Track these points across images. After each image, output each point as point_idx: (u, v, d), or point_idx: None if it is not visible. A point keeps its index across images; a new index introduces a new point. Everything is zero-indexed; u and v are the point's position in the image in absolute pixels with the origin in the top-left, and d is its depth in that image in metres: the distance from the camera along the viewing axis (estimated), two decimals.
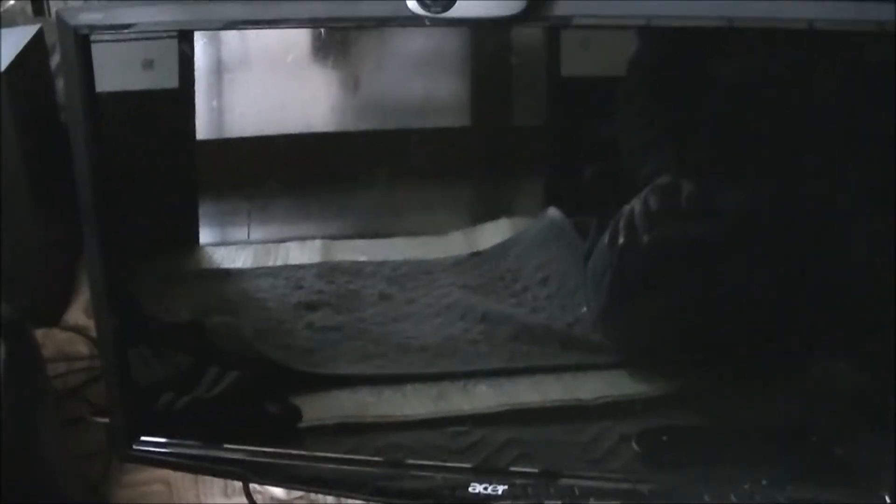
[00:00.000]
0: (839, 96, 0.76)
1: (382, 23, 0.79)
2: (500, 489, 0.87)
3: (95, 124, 0.84)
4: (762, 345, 0.83)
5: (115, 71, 0.85)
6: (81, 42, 0.81)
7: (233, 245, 0.95)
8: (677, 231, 0.82)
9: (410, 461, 0.90)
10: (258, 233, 0.95)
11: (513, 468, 0.88)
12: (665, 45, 0.79)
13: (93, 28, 0.81)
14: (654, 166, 0.81)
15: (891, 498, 0.80)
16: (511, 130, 0.89)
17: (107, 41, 0.83)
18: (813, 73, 0.76)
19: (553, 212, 0.87)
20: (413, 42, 0.85)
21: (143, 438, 0.94)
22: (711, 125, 0.79)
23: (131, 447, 0.95)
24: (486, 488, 0.87)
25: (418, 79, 0.86)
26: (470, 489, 0.87)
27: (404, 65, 0.86)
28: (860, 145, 0.76)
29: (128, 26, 0.81)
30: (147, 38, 0.85)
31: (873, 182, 0.77)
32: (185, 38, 0.85)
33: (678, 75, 0.80)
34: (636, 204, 0.81)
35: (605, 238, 0.83)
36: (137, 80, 0.87)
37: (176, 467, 0.98)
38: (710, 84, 0.79)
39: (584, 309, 0.87)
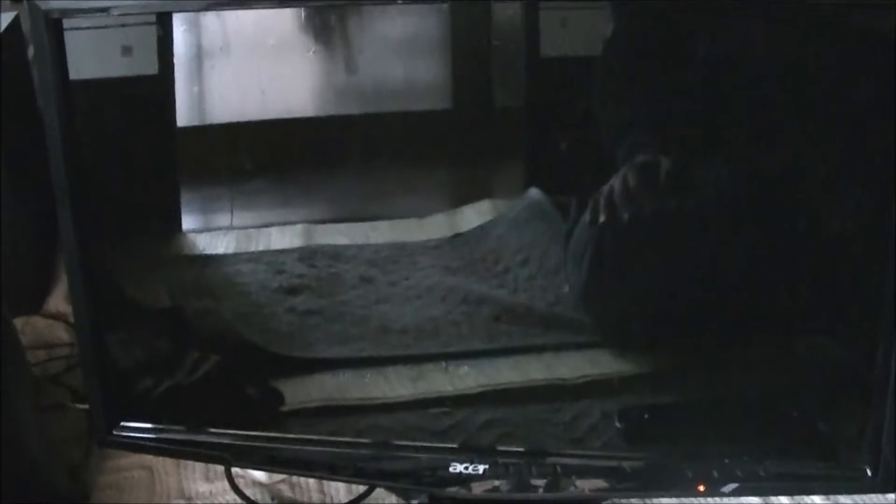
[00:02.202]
0: (817, 72, 0.76)
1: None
2: (482, 468, 0.86)
3: (69, 111, 0.84)
4: (743, 321, 0.84)
5: (94, 58, 0.85)
6: (53, 27, 0.81)
7: (215, 231, 0.95)
8: (657, 209, 0.82)
9: (392, 442, 0.90)
10: (241, 218, 0.95)
11: (495, 448, 0.88)
12: (643, 22, 0.80)
13: (65, 12, 0.80)
14: (633, 145, 0.82)
15: (871, 470, 0.80)
16: (491, 112, 0.89)
17: (84, 28, 0.83)
18: (791, 50, 0.77)
19: (534, 192, 0.87)
20: (393, 25, 0.85)
21: (122, 424, 0.94)
22: (690, 103, 0.80)
23: (110, 432, 0.94)
24: (466, 468, 0.87)
25: (398, 62, 0.86)
26: (451, 469, 0.87)
27: (384, 48, 0.86)
28: (839, 121, 0.77)
29: (101, 10, 0.80)
30: (125, 25, 0.84)
31: (853, 158, 0.77)
32: (164, 22, 0.84)
33: (656, 53, 0.80)
34: (616, 182, 0.81)
35: (586, 217, 0.83)
36: (116, 67, 0.87)
37: (157, 452, 0.97)
38: (688, 61, 0.79)
39: (566, 289, 0.87)
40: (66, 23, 0.81)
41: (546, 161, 0.86)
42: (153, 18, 0.84)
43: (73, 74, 0.83)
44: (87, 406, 0.97)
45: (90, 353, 0.92)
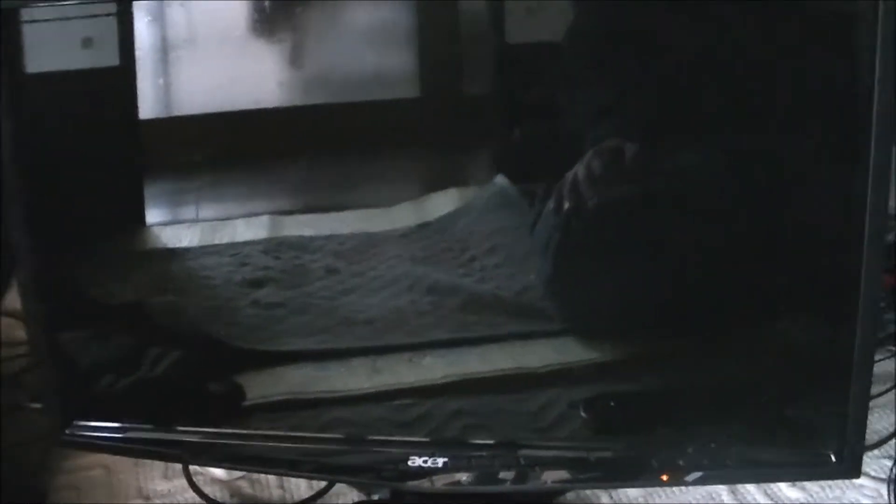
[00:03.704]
0: (787, 57, 0.76)
1: None
2: (445, 461, 0.85)
3: (20, 103, 0.83)
4: (710, 308, 0.83)
5: (53, 50, 0.84)
6: (5, 19, 0.80)
7: (180, 224, 0.94)
8: (623, 195, 0.81)
9: (355, 436, 0.88)
10: (206, 211, 0.94)
11: (459, 440, 0.86)
12: (609, 7, 0.80)
13: (17, 4, 0.80)
14: (601, 131, 0.81)
15: (835, 456, 0.80)
16: (457, 100, 0.88)
17: (43, 20, 0.82)
18: (761, 34, 0.76)
19: (501, 180, 0.86)
20: (359, 14, 0.84)
21: (78, 423, 0.92)
22: (656, 88, 0.79)
23: (65, 431, 0.92)
24: (426, 461, 0.85)
25: (364, 51, 0.86)
26: (413, 462, 0.85)
27: (350, 37, 0.85)
28: (809, 106, 0.76)
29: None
30: (85, 16, 0.84)
31: (824, 142, 0.77)
32: (125, 13, 0.84)
33: (622, 38, 0.80)
34: (580, 168, 0.81)
35: (551, 204, 0.82)
36: (77, 60, 0.86)
37: (113, 451, 0.95)
38: (655, 46, 0.78)
39: (532, 277, 0.86)
40: (24, 14, 0.81)
41: (513, 149, 0.86)
42: (114, 9, 0.84)
43: (32, 67, 0.83)
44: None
45: (43, 351, 0.90)
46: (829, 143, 0.76)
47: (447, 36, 0.85)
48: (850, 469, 0.80)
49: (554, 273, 0.85)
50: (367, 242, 0.90)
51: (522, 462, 0.84)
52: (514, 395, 0.87)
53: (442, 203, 0.88)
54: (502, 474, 0.84)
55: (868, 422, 0.80)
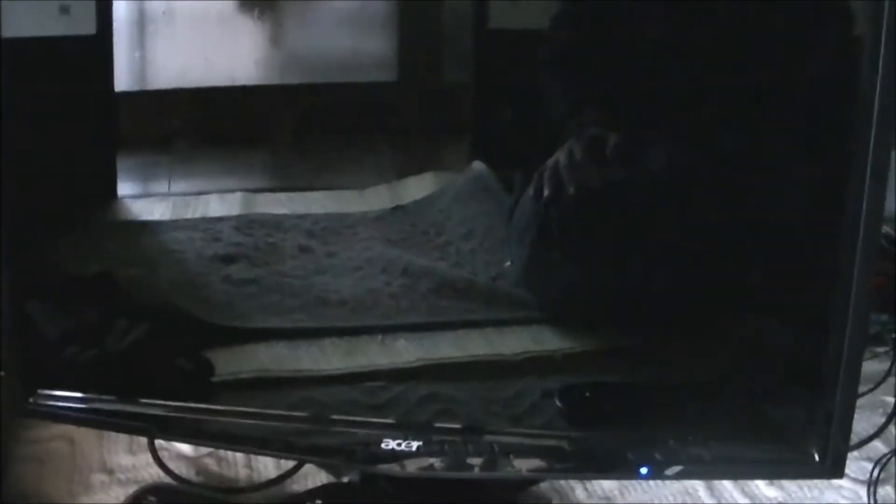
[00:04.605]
0: (768, 51, 0.76)
1: None
2: (416, 445, 0.84)
3: None
4: (689, 300, 0.83)
5: (30, 16, 0.83)
6: None
7: (152, 197, 0.93)
8: (603, 184, 0.81)
9: (324, 416, 0.88)
10: (178, 185, 0.93)
11: (431, 424, 0.86)
12: None
13: None
14: (582, 119, 0.81)
15: (819, 455, 0.79)
16: (436, 83, 0.88)
17: None
18: (742, 27, 0.77)
19: (478, 165, 0.86)
20: None
21: (41, 392, 0.90)
22: (639, 78, 0.79)
23: (28, 400, 0.90)
24: (399, 444, 0.85)
25: (344, 32, 0.86)
26: (384, 445, 0.85)
27: (330, 18, 0.85)
28: (789, 101, 0.77)
29: None
30: None
31: (804, 139, 0.77)
32: None
33: (605, 27, 0.80)
34: (561, 156, 0.81)
35: (530, 191, 0.83)
36: (53, 27, 0.85)
37: (77, 422, 0.94)
38: (637, 36, 0.79)
39: (508, 263, 0.87)
40: None
41: (491, 134, 0.86)
42: None
43: (6, 32, 0.80)
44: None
45: (9, 319, 0.88)
46: (811, 141, 0.77)
47: (428, 19, 0.85)
48: (834, 469, 0.79)
49: (531, 260, 0.85)
50: (342, 223, 0.90)
51: (496, 449, 0.83)
52: (487, 382, 0.87)
53: (418, 187, 0.88)
54: (475, 460, 0.83)
55: None
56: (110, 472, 1.00)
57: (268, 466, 1.00)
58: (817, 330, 0.77)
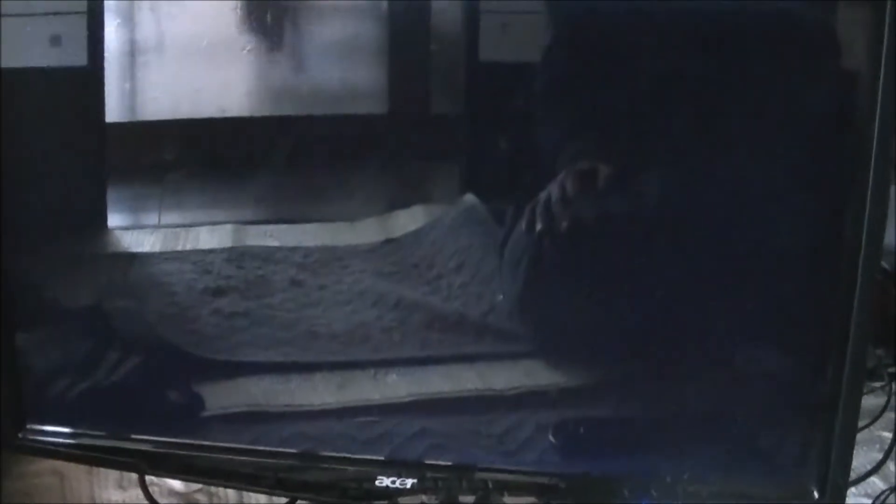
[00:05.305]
0: (761, 81, 0.76)
1: None
2: (409, 482, 0.84)
3: None
4: (683, 334, 0.83)
5: (20, 47, 0.83)
6: None
7: (142, 229, 0.93)
8: (596, 217, 0.81)
9: (316, 453, 0.88)
10: (169, 217, 0.93)
11: (424, 461, 0.86)
12: (583, 29, 0.79)
13: None
14: (575, 152, 0.81)
15: (818, 492, 0.79)
16: (427, 115, 0.88)
17: (11, 15, 0.81)
18: (734, 58, 0.76)
19: (470, 198, 0.86)
20: (330, 25, 0.84)
21: (31, 427, 0.90)
22: (631, 111, 0.79)
23: (17, 436, 0.90)
24: (393, 482, 0.85)
25: (335, 64, 0.86)
26: (377, 482, 0.85)
27: (320, 49, 0.85)
28: (783, 131, 0.77)
29: None
30: (55, 13, 0.83)
31: (799, 168, 0.77)
32: (95, 13, 0.83)
33: (596, 60, 0.80)
34: (553, 189, 0.80)
35: (522, 224, 0.82)
36: (44, 57, 0.85)
37: (67, 458, 0.94)
38: (628, 69, 0.78)
39: (500, 297, 0.86)
40: None
41: (482, 167, 0.85)
42: (84, 7, 0.83)
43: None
44: None
45: None
46: (806, 170, 0.77)
47: (419, 51, 0.85)
48: None
49: (524, 294, 0.85)
50: (332, 256, 0.90)
51: (489, 486, 0.83)
52: (480, 417, 0.86)
53: (409, 220, 0.88)
54: (468, 498, 0.84)
55: None
56: None
57: (260, 502, 1.00)
58: (816, 365, 0.77)
